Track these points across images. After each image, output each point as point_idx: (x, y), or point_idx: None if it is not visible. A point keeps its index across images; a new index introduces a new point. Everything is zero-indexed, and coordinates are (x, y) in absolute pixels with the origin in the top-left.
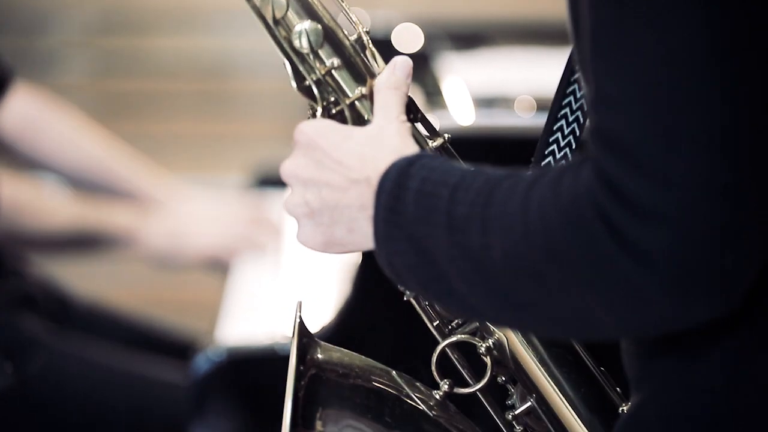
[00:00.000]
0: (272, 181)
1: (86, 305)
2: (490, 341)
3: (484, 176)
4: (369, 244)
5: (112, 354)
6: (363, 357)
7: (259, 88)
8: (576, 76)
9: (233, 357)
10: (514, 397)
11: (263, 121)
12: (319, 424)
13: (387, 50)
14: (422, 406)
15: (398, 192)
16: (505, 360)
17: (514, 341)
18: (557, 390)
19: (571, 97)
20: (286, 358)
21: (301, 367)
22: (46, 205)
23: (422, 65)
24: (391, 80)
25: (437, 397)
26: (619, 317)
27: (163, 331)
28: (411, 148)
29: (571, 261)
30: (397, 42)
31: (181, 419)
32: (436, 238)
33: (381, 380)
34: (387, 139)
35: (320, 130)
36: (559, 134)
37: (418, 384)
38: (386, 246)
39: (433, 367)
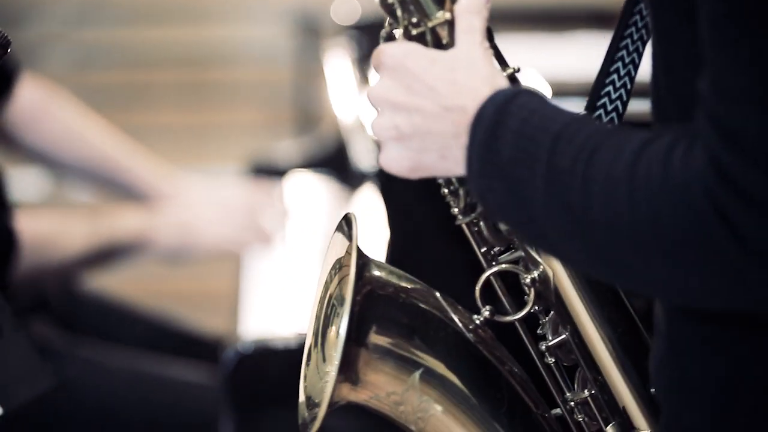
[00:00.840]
0: (266, 169)
1: (98, 304)
2: (536, 273)
3: (586, 130)
4: (459, 170)
5: (126, 356)
6: (412, 277)
7: (240, 78)
8: (629, 30)
9: (261, 350)
10: (546, 327)
11: (246, 110)
12: (369, 340)
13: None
14: (463, 330)
15: (496, 130)
16: (547, 292)
17: (560, 274)
18: (596, 325)
19: (623, 52)
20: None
21: (359, 282)
22: (63, 233)
23: None
24: (473, 5)
25: (477, 322)
26: (714, 294)
27: (178, 328)
28: (500, 78)
29: (677, 238)
30: None
31: (206, 417)
32: (533, 185)
33: (427, 301)
34: (477, 66)
35: (408, 52)
36: (610, 87)
37: (460, 308)
38: (479, 181)
39: (477, 293)
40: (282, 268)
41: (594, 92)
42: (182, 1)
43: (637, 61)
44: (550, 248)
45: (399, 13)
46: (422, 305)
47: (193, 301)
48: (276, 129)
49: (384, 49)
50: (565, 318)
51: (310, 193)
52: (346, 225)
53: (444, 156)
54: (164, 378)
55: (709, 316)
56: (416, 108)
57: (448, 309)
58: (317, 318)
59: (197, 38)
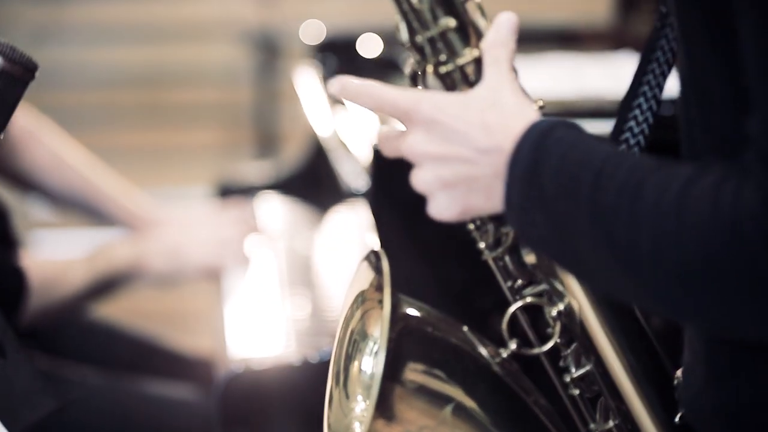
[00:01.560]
0: (235, 190)
1: (80, 325)
2: (561, 306)
3: (628, 164)
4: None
5: (109, 376)
6: (438, 312)
7: (200, 98)
8: (655, 54)
9: (252, 369)
10: (569, 359)
11: (206, 131)
12: (402, 375)
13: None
14: (491, 363)
15: (535, 167)
16: (571, 324)
17: (585, 307)
18: (619, 356)
19: (650, 75)
20: (304, 367)
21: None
22: (65, 270)
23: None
24: (498, 38)
25: (504, 355)
26: (764, 327)
27: (161, 347)
28: (531, 109)
29: (727, 274)
30: (360, 48)
31: None
32: (576, 221)
33: (455, 336)
34: (506, 102)
35: (438, 104)
36: (637, 110)
37: (486, 341)
38: (520, 216)
39: (504, 327)
40: (259, 288)
41: (620, 120)
42: (141, 22)
43: (659, 92)
44: (593, 280)
45: (427, 51)
46: (451, 339)
47: (174, 322)
48: (236, 150)
49: (415, 105)
50: (589, 349)
51: (279, 214)
52: (372, 260)
53: (489, 196)
54: (149, 396)
55: (752, 342)
56: (455, 156)
57: (476, 343)
58: (338, 355)
59: (156, 59)
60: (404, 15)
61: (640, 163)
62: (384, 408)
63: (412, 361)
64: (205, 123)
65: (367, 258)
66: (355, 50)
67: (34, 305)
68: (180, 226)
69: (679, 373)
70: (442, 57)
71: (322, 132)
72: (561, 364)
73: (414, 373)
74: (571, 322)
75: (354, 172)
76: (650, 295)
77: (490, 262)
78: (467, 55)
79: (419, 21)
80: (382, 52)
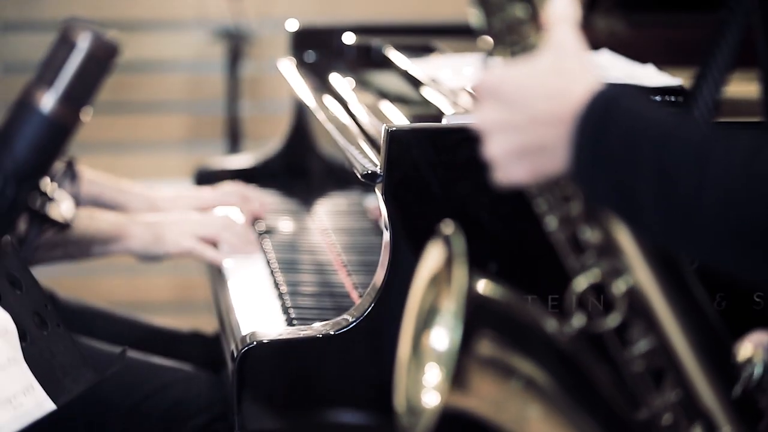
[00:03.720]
0: (211, 179)
1: (80, 309)
2: (625, 282)
3: (694, 130)
4: (569, 169)
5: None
6: (507, 289)
7: (168, 89)
8: (718, 51)
9: (264, 344)
10: (633, 333)
11: (175, 122)
12: (476, 350)
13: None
14: (559, 337)
15: (601, 137)
16: (635, 301)
17: (648, 284)
18: (681, 332)
19: (712, 73)
20: (311, 341)
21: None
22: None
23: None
24: (560, 7)
25: (573, 329)
26: None
27: (159, 327)
28: (592, 73)
29: None
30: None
31: (193, 403)
32: (644, 186)
33: (524, 311)
34: (567, 67)
35: (503, 77)
36: (700, 105)
37: (553, 316)
38: (589, 182)
39: (573, 300)
40: (254, 269)
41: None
42: (108, 13)
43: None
44: (655, 236)
45: (502, 35)
46: (520, 315)
47: (175, 305)
48: (207, 141)
49: (482, 79)
50: (652, 325)
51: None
52: (444, 239)
53: (556, 160)
54: (150, 364)
55: None
56: (520, 125)
57: (544, 317)
58: (413, 328)
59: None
60: (483, 4)
61: (705, 128)
62: (459, 380)
63: (485, 334)
64: (174, 114)
65: (439, 236)
66: (330, 43)
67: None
68: (168, 203)
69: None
70: (515, 39)
71: (301, 122)
72: (623, 339)
73: (487, 346)
74: (634, 298)
75: (351, 158)
76: (709, 251)
77: (557, 239)
78: (537, 36)
79: (494, 7)
80: (354, 45)
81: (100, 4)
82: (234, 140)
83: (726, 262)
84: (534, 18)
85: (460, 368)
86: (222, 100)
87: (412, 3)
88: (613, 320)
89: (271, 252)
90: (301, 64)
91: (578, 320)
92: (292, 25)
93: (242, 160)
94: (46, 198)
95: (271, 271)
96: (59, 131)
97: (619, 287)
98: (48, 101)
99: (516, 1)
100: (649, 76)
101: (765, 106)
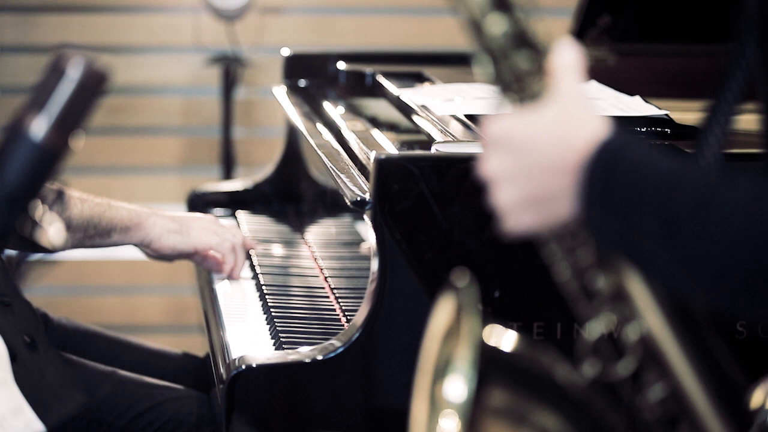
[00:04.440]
0: (204, 203)
1: (73, 330)
2: (637, 330)
3: (699, 175)
4: (577, 216)
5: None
6: (519, 335)
7: (163, 114)
8: (728, 85)
9: (256, 368)
10: (644, 382)
11: (170, 147)
12: (489, 401)
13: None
14: (573, 386)
15: (608, 185)
16: (647, 347)
17: (660, 329)
18: (694, 378)
19: (723, 106)
20: (298, 366)
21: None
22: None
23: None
24: (564, 56)
25: (584, 377)
26: None
27: (152, 348)
28: (597, 121)
29: None
30: (325, 67)
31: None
32: (651, 233)
33: (537, 359)
34: (572, 115)
35: (510, 127)
36: (710, 139)
37: (567, 365)
38: (598, 230)
39: (586, 347)
40: (245, 293)
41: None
42: (105, 37)
43: (730, 122)
44: (666, 281)
45: (509, 83)
46: (534, 364)
47: (167, 326)
48: (201, 167)
49: (490, 127)
50: (666, 371)
51: (254, 225)
52: (456, 290)
53: (561, 210)
54: (143, 383)
55: None
56: (531, 175)
57: (557, 366)
58: (426, 376)
59: (120, 76)
60: (486, 51)
61: (709, 174)
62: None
63: (498, 383)
64: (169, 138)
65: (450, 284)
66: (323, 70)
67: None
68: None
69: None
70: (522, 86)
71: (294, 147)
72: (635, 386)
73: (500, 395)
74: (647, 344)
75: (334, 185)
76: (719, 296)
77: (568, 287)
78: (543, 84)
79: (499, 55)
80: (347, 72)
81: (96, 28)
82: (228, 165)
83: (736, 307)
84: (539, 66)
85: (475, 419)
86: (217, 125)
87: (405, 31)
88: (625, 367)
89: (262, 275)
90: (295, 91)
91: (591, 368)
92: (286, 52)
93: (235, 185)
94: (36, 223)
95: (262, 295)
96: (49, 157)
97: (631, 333)
98: (39, 128)
99: (521, 48)
100: (635, 106)
101: (765, 139)
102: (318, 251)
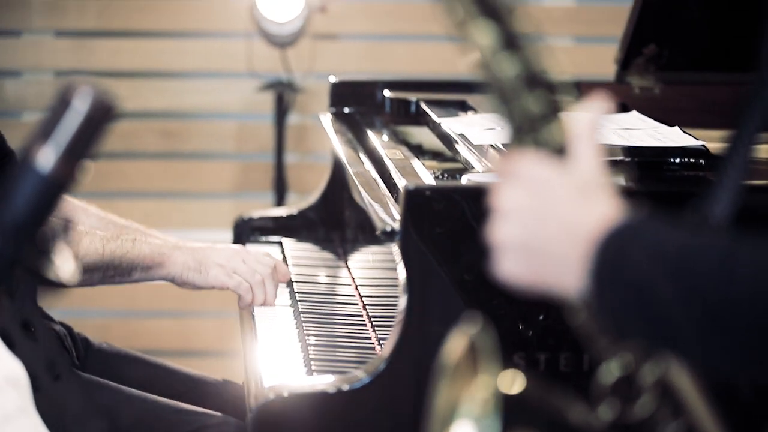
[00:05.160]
0: (249, 229)
1: (108, 353)
2: (656, 372)
3: (709, 254)
4: (574, 289)
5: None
6: (531, 379)
7: (217, 140)
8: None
9: (285, 398)
10: (661, 425)
11: (224, 173)
12: None
13: None
14: (587, 427)
15: (621, 263)
16: (665, 389)
17: (677, 371)
18: (711, 420)
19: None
20: (323, 396)
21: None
22: (81, 239)
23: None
24: (584, 125)
25: (601, 420)
26: None
27: (187, 373)
28: (612, 200)
29: None
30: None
31: None
32: (670, 304)
33: (551, 402)
34: (592, 188)
35: (539, 167)
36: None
37: (582, 406)
38: (603, 310)
39: (601, 394)
40: (286, 322)
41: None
42: (160, 63)
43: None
44: (683, 354)
45: (524, 127)
46: (547, 406)
47: (203, 354)
48: (255, 191)
49: (517, 161)
50: (682, 413)
51: (298, 253)
52: (467, 336)
53: (560, 274)
54: (180, 409)
55: None
56: (540, 221)
57: (572, 409)
58: (436, 422)
59: (174, 101)
60: (497, 91)
61: (724, 244)
62: None
63: (514, 428)
64: (223, 163)
65: (462, 326)
66: (368, 97)
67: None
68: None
69: None
70: (535, 128)
71: (340, 174)
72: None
73: None
74: (664, 387)
75: (373, 214)
76: (748, 367)
77: (582, 330)
78: (560, 133)
79: (509, 97)
80: (392, 99)
81: (150, 53)
82: (280, 191)
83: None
84: (554, 111)
85: None
86: (270, 151)
87: (454, 59)
88: (643, 408)
89: (300, 302)
90: (340, 118)
91: (607, 412)
92: (333, 79)
93: (280, 211)
94: (43, 256)
95: (299, 322)
96: (57, 189)
97: (649, 374)
98: (46, 159)
99: (535, 91)
100: (673, 136)
101: None
102: (359, 279)
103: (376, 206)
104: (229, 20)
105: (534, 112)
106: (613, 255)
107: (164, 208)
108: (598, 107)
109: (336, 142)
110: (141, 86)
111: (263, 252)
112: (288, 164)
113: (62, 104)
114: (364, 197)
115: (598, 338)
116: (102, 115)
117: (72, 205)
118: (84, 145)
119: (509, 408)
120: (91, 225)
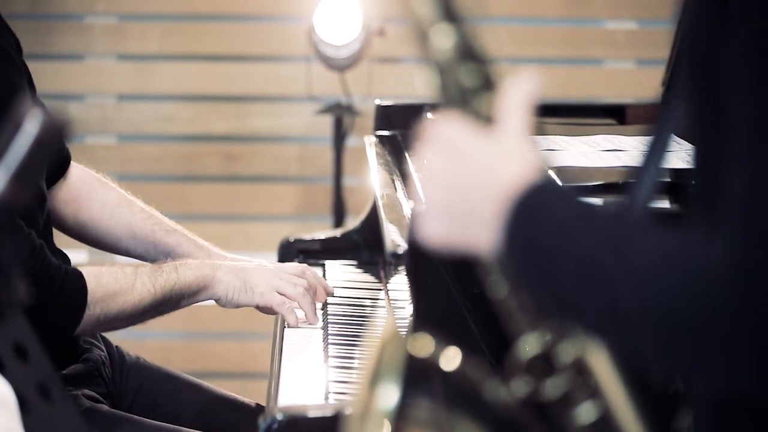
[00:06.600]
0: (293, 251)
1: (139, 369)
2: (572, 350)
3: (614, 222)
4: (490, 246)
5: (168, 416)
6: (452, 347)
7: (277, 163)
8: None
9: (293, 420)
10: (576, 404)
11: (282, 197)
12: (414, 412)
13: None
14: (501, 403)
15: (531, 223)
16: (581, 369)
17: (595, 351)
18: (628, 400)
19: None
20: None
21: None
22: (133, 283)
23: None
24: (515, 99)
25: (515, 395)
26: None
27: (219, 393)
28: (533, 164)
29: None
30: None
31: None
32: (563, 268)
33: (466, 374)
34: (513, 154)
35: (458, 133)
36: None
37: (497, 380)
38: (513, 264)
39: (514, 367)
40: (314, 341)
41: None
42: (224, 88)
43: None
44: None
45: (457, 99)
46: (462, 378)
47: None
48: (316, 214)
49: (438, 127)
50: (596, 395)
51: (339, 280)
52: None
53: (480, 233)
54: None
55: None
56: (459, 185)
57: (486, 381)
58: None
59: (235, 124)
60: (432, 63)
61: (630, 219)
62: None
63: (423, 397)
64: (284, 186)
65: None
66: (412, 119)
67: (96, 314)
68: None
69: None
70: (467, 100)
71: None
72: (567, 403)
73: (425, 407)
74: (580, 366)
75: (386, 235)
76: (628, 349)
77: (503, 306)
78: (489, 105)
79: (444, 68)
80: None
81: (211, 76)
82: (339, 213)
83: (637, 353)
84: (486, 85)
85: (399, 429)
86: (330, 174)
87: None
88: (555, 387)
89: (331, 324)
90: (383, 140)
91: (520, 387)
92: (378, 102)
93: (325, 233)
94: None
95: (327, 345)
96: (7, 211)
97: (566, 353)
98: None
99: (467, 63)
100: None
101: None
102: (396, 302)
103: (391, 228)
104: (289, 44)
105: (466, 84)
106: (525, 213)
107: (226, 231)
108: (530, 84)
109: (373, 165)
110: (203, 110)
111: (303, 266)
112: (346, 187)
113: (13, 127)
114: (381, 218)
115: (517, 313)
116: (53, 136)
117: (91, 177)
118: (36, 165)
119: (420, 377)
120: (111, 200)
